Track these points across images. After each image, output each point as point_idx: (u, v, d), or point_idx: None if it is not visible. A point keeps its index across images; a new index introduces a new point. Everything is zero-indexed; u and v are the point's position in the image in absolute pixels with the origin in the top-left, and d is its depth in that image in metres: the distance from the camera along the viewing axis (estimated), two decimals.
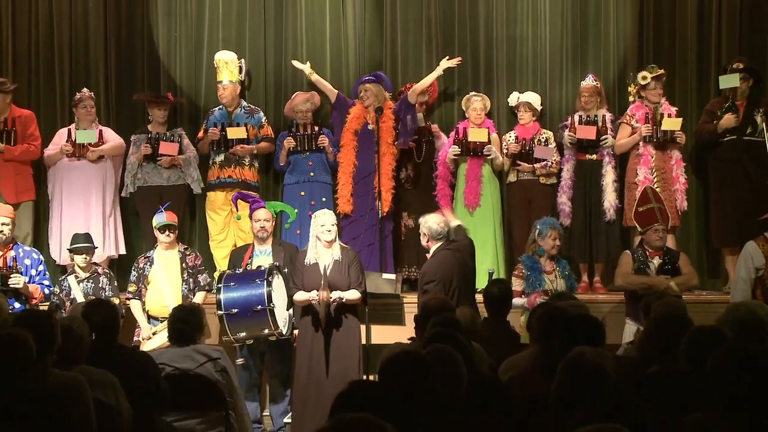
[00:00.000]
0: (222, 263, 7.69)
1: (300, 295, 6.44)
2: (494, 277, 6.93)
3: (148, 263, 7.01)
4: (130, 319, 6.97)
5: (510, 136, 8.02)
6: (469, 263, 6.57)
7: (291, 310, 6.67)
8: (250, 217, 7.06)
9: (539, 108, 8.07)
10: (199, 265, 7.11)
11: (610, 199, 7.82)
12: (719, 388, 3.08)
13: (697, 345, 3.70)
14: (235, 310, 6.38)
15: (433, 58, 8.25)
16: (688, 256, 7.07)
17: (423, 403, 3.29)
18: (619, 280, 6.82)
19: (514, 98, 8.17)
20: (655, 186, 7.52)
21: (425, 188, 8.01)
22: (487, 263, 7.50)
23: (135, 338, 6.91)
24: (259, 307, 6.36)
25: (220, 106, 8.08)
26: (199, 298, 6.98)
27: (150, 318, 6.94)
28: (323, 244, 6.50)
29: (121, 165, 8.02)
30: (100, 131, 7.88)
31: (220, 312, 6.40)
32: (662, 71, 7.88)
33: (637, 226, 6.98)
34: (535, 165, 7.88)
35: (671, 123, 7.75)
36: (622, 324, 6.67)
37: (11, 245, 6.89)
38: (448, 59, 7.98)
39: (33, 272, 6.90)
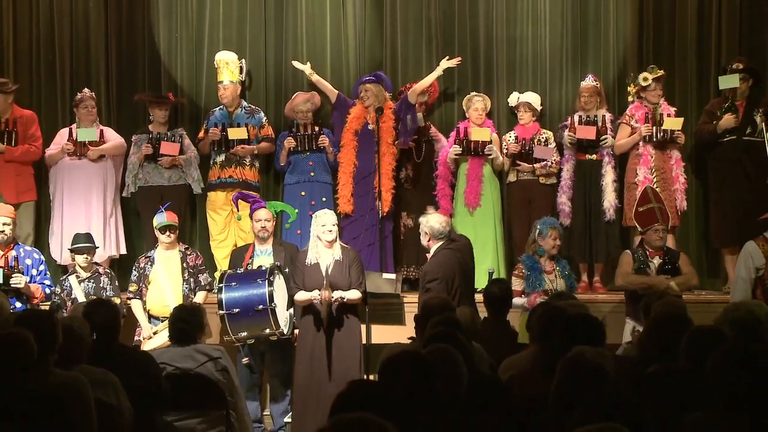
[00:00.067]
0: (222, 263, 7.70)
1: (301, 295, 6.45)
2: (494, 276, 6.94)
3: (149, 263, 7.02)
4: (131, 318, 6.97)
5: (510, 136, 8.02)
6: (469, 263, 6.58)
7: (292, 310, 6.68)
8: (251, 217, 7.07)
9: (539, 108, 8.07)
10: (199, 265, 7.12)
11: (609, 199, 7.83)
12: (719, 387, 3.09)
13: (697, 345, 3.70)
14: (237, 310, 6.39)
15: (433, 58, 8.25)
16: (688, 256, 7.08)
17: (423, 402, 3.30)
18: (619, 280, 6.81)
19: (514, 98, 8.18)
20: (655, 186, 7.52)
21: (425, 188, 8.02)
22: (487, 263, 7.51)
23: (136, 338, 6.91)
24: (261, 306, 6.37)
25: (221, 107, 8.08)
26: (199, 297, 6.99)
27: (151, 318, 6.95)
28: (324, 244, 6.52)
29: (121, 165, 8.03)
30: (101, 131, 7.89)
31: (221, 311, 6.41)
32: (662, 72, 7.88)
33: (638, 226, 6.98)
34: (535, 165, 7.89)
35: (673, 122, 7.75)
36: (622, 324, 6.66)
37: (12, 245, 6.90)
38: (448, 59, 7.98)
39: (34, 272, 6.90)
